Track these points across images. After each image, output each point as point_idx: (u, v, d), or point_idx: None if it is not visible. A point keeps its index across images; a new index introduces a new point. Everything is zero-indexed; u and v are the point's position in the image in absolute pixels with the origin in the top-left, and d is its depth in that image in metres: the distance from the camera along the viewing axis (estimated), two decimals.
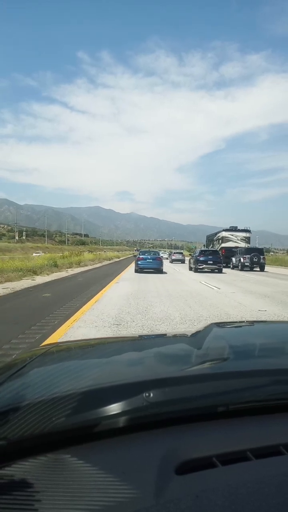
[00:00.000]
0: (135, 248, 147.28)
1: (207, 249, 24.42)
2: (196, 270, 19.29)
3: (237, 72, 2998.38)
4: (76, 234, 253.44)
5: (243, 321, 2.29)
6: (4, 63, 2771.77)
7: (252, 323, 1.99)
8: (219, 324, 1.37)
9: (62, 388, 0.65)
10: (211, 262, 19.23)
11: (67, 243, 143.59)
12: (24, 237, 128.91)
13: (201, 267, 19.20)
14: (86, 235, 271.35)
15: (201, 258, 19.35)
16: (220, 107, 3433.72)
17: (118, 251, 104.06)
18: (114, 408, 0.59)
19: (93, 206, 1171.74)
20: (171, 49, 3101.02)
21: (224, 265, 22.23)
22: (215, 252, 20.75)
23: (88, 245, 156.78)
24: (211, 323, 1.27)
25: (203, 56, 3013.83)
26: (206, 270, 19.43)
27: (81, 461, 0.53)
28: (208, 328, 1.18)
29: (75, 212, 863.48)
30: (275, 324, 2.00)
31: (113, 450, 0.56)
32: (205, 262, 19.27)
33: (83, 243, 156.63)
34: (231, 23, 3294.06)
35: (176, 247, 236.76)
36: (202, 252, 20.28)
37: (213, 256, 19.59)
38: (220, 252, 22.47)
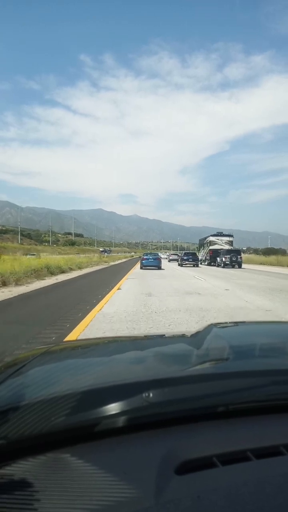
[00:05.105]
0: (100, 249, 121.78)
1: (188, 251, 39.81)
2: (182, 265, 31.91)
3: (241, 73, 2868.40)
4: (68, 233, 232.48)
5: (243, 322, 2.34)
6: (7, 66, 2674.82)
7: (252, 323, 2.01)
8: (219, 325, 1.37)
9: (62, 388, 0.65)
10: (190, 260, 32.30)
11: (51, 244, 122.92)
12: None
13: (184, 263, 32.23)
14: (79, 235, 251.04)
15: (184, 258, 32.80)
16: (224, 109, 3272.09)
17: (78, 253, 61.59)
18: (114, 408, 0.58)
19: (95, 209, 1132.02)
20: (174, 51, 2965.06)
21: (213, 263, 34.98)
22: (193, 254, 34.80)
23: (80, 246, 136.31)
24: (211, 324, 1.26)
25: (207, 57, 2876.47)
26: (188, 265, 31.96)
27: (80, 460, 0.53)
28: (208, 329, 1.18)
29: (77, 214, 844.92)
30: (275, 324, 2.03)
31: (113, 450, 0.56)
32: (187, 260, 32.27)
33: (73, 244, 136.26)
34: (234, 23, 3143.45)
35: (182, 249, 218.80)
36: (185, 254, 34.35)
37: (192, 256, 33.12)
38: (196, 254, 36.85)
